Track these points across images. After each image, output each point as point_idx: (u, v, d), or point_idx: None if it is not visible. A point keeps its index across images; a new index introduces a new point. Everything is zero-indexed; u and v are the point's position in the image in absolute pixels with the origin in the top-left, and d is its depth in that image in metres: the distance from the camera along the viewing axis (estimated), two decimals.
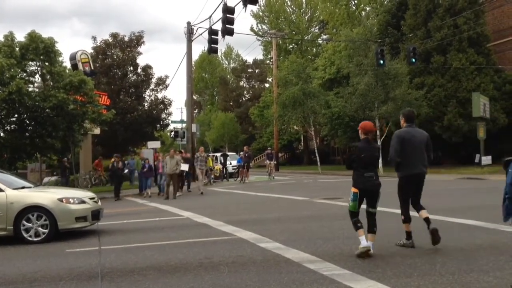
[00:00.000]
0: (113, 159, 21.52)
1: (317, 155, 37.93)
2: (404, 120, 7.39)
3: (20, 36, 23.87)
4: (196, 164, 21.05)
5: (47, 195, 9.78)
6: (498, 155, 27.55)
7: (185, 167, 20.22)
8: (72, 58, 25.06)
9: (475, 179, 22.20)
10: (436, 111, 29.68)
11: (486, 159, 26.52)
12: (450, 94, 29.55)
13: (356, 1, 45.77)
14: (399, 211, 10.37)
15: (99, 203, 10.60)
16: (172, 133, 32.44)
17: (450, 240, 7.53)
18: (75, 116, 20.59)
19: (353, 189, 6.84)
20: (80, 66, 25.11)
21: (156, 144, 30.39)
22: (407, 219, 7.20)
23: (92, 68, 25.71)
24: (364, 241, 6.57)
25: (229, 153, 36.69)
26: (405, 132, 7.16)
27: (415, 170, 7.06)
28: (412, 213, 7.34)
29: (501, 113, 29.39)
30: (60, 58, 21.07)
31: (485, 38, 30.78)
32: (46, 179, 29.71)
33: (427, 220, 7.17)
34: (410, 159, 6.98)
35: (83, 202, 9.87)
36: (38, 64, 20.84)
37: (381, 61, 24.62)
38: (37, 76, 21.33)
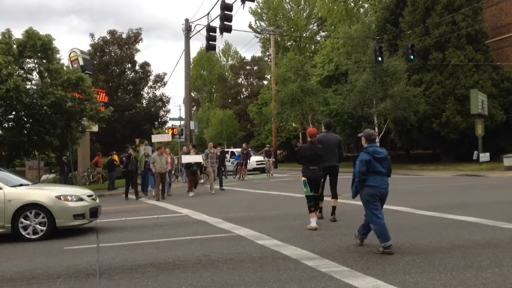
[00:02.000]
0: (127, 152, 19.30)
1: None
2: (324, 128, 9.97)
3: (18, 33, 23.92)
4: (207, 161, 18.89)
5: (45, 193, 9.76)
6: (496, 152, 27.63)
7: (198, 158, 18.55)
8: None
9: (473, 176, 22.24)
10: (434, 108, 29.69)
11: (484, 156, 26.55)
12: (449, 91, 29.56)
13: None
14: (395, 207, 10.39)
15: (97, 200, 10.58)
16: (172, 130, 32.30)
17: (449, 237, 7.54)
18: (73, 113, 20.55)
19: (303, 178, 8.95)
20: (70, 65, 25.09)
21: (164, 138, 28.10)
22: (310, 205, 9.05)
23: (81, 63, 25.49)
24: (313, 222, 8.73)
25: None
26: (322, 136, 9.62)
27: (329, 163, 9.38)
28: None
29: (499, 110, 29.41)
30: (58, 55, 21.02)
31: (483, 35, 30.78)
32: (44, 177, 29.66)
33: (333, 208, 9.75)
34: (326, 156, 9.12)
35: (81, 199, 9.85)
36: (35, 61, 20.79)
37: (380, 58, 24.58)
38: (34, 73, 21.29)
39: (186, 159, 18.43)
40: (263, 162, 32.84)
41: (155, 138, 27.85)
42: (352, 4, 45.84)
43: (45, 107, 19.97)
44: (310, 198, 8.81)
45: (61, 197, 9.63)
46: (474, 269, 5.61)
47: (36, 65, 20.93)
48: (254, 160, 34.71)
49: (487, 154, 26.78)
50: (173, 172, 23.64)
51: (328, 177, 9.69)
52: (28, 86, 20.40)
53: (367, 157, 6.86)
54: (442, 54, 30.02)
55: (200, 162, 18.75)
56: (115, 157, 24.54)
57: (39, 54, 20.24)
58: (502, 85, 30.16)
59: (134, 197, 18.01)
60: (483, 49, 30.45)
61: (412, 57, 24.13)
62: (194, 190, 18.23)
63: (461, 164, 28.52)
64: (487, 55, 30.46)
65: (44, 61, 20.42)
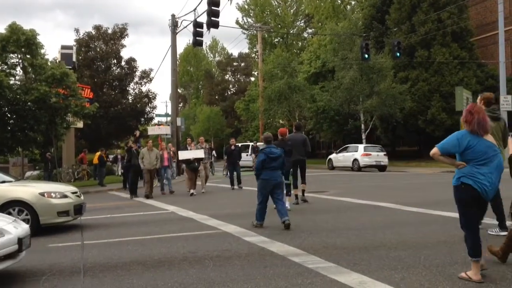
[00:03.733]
0: (128, 146, 17.95)
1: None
2: (294, 129, 12.44)
3: (1, 28, 23.53)
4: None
5: (28, 190, 9.61)
6: None
7: (200, 153, 16.42)
8: None
9: None
10: (420, 105, 29.94)
11: None
12: (434, 88, 29.83)
13: None
14: (381, 204, 10.43)
15: (82, 197, 10.46)
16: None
17: (434, 233, 7.59)
18: (57, 109, 20.27)
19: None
20: (58, 57, 24.85)
21: (162, 131, 26.49)
22: (295, 186, 11.66)
23: (74, 60, 25.21)
24: (287, 204, 10.65)
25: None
26: (291, 136, 11.78)
27: (297, 157, 11.38)
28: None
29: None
30: (42, 51, 20.69)
31: (469, 32, 31.11)
32: (28, 173, 29.26)
33: (303, 191, 12.05)
34: (295, 152, 11.15)
35: (65, 196, 9.72)
36: (19, 56, 20.45)
37: (366, 55, 24.69)
38: (18, 68, 20.94)
39: (183, 155, 16.49)
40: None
41: (152, 130, 26.73)
42: (339, 1, 45.99)
43: (29, 103, 19.68)
44: (288, 186, 11.08)
45: (45, 194, 9.49)
46: (459, 264, 5.64)
47: (20, 60, 20.59)
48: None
49: None
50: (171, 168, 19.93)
51: (298, 169, 11.75)
52: (11, 82, 20.06)
53: (263, 157, 8.89)
54: (427, 51, 30.27)
55: (202, 158, 16.67)
56: (103, 154, 24.29)
57: (22, 49, 19.91)
58: (487, 82, 30.51)
59: (128, 195, 16.76)
60: (468, 47, 30.78)
61: (398, 54, 24.29)
62: (195, 189, 16.29)
63: None
64: (472, 52, 30.80)
65: (28, 56, 20.10)
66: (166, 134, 28.63)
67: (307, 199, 12.15)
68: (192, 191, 16.08)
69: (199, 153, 16.37)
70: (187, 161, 16.43)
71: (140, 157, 16.12)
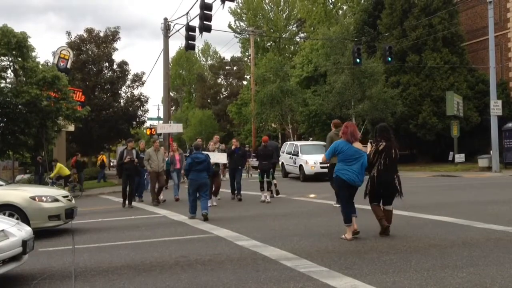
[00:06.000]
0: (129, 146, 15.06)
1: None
2: (266, 139, 14.18)
3: None
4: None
5: (19, 193, 9.55)
6: (471, 153, 28.18)
7: (223, 158, 14.05)
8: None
9: (449, 177, 22.61)
10: (411, 109, 30.12)
11: (460, 157, 27.05)
12: (425, 93, 30.03)
13: (333, 0, 46.10)
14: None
15: (73, 201, 10.41)
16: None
17: (425, 237, 7.64)
18: (48, 112, 20.16)
19: (258, 170, 13.96)
20: (55, 60, 24.65)
21: (173, 129, 23.84)
22: (262, 187, 13.90)
23: (68, 66, 25.07)
24: (263, 197, 13.60)
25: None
26: (269, 143, 14.14)
27: (267, 161, 13.71)
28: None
29: (474, 111, 30.00)
30: (33, 53, 20.60)
31: (459, 38, 31.37)
32: (18, 177, 29.06)
33: (275, 185, 14.66)
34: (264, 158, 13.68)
35: (56, 200, 9.67)
36: (10, 59, 20.33)
37: (358, 60, 24.81)
38: (9, 71, 20.82)
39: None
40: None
41: (162, 129, 24.77)
42: (331, 6, 46.21)
43: (19, 106, 19.56)
44: (262, 183, 13.77)
45: (36, 197, 9.44)
46: (450, 268, 5.68)
47: (11, 63, 20.47)
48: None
49: (462, 155, 27.29)
50: (182, 171, 16.31)
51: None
52: (2, 85, 19.96)
53: (190, 161, 10.93)
54: (418, 56, 30.49)
55: (225, 164, 14.70)
56: (104, 158, 24.10)
57: (13, 52, 19.79)
58: (477, 87, 30.77)
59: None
60: (459, 52, 31.04)
61: (389, 59, 24.43)
62: (216, 197, 14.09)
63: (437, 164, 29.00)
64: (462, 57, 31.05)
65: (19, 59, 19.98)
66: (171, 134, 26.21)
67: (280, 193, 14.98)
68: (209, 202, 12.40)
69: (221, 157, 13.91)
70: None
71: (146, 158, 14.57)
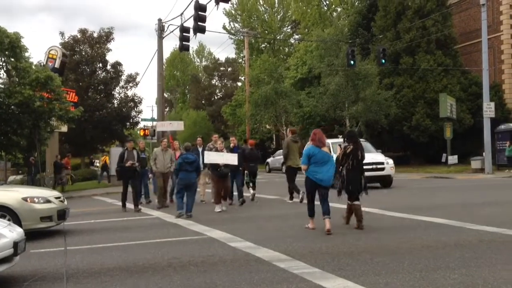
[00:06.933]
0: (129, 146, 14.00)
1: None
2: (252, 142, 15.56)
3: None
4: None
5: (11, 194, 9.47)
6: (464, 155, 28.32)
7: (233, 159, 12.37)
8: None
9: (442, 178, 22.71)
10: (404, 111, 30.24)
11: (453, 159, 27.18)
12: (418, 95, 30.16)
13: (327, 2, 46.20)
14: (365, 209, 10.55)
15: (65, 202, 10.33)
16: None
17: (418, 238, 7.66)
18: (41, 113, 20.03)
19: (246, 171, 14.20)
20: (45, 60, 24.53)
21: (173, 126, 22.80)
22: (248, 186, 14.53)
23: (57, 66, 24.79)
24: (252, 195, 14.27)
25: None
26: (249, 149, 14.47)
27: (254, 163, 14.37)
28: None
29: (467, 113, 30.16)
30: (26, 54, 20.43)
31: (452, 40, 31.55)
32: (11, 178, 28.91)
33: (252, 195, 14.36)
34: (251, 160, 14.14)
35: (48, 201, 9.59)
36: (2, 59, 20.18)
37: (352, 62, 24.88)
38: (1, 72, 20.69)
39: (211, 157, 12.23)
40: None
41: (161, 126, 23.99)
42: (325, 8, 46.30)
43: (12, 107, 19.42)
44: (248, 183, 14.37)
45: (28, 198, 9.36)
46: (442, 269, 5.70)
47: (3, 64, 20.32)
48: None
49: (455, 156, 27.41)
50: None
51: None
52: None
53: (180, 161, 11.33)
54: (412, 58, 30.61)
55: (236, 165, 12.73)
56: (107, 159, 23.87)
57: (6, 52, 19.65)
58: (470, 89, 30.94)
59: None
60: (452, 54, 31.21)
61: (383, 61, 24.52)
62: (225, 201, 12.71)
63: (430, 166, 29.12)
64: (455, 60, 31.23)
65: (12, 59, 19.83)
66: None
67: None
68: (218, 208, 12.03)
69: (232, 158, 12.36)
70: (215, 166, 12.20)
71: (153, 158, 13.88)
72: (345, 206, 9.18)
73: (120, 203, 13.90)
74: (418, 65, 30.15)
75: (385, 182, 18.08)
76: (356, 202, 8.73)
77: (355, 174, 8.66)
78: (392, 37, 31.53)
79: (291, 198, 13.42)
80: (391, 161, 18.63)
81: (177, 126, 24.50)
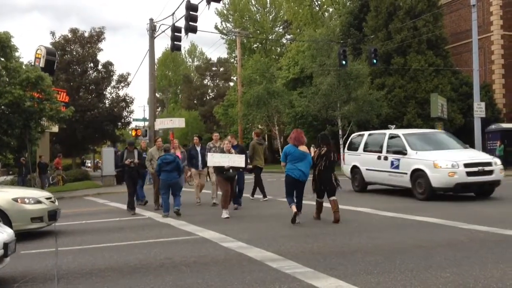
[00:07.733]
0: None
1: (281, 154, 38.12)
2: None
3: None
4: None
5: (1, 195, 9.37)
6: None
7: (240, 161, 11.48)
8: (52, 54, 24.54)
9: None
10: (396, 111, 30.35)
11: None
12: (410, 95, 30.29)
13: (319, 2, 46.30)
14: (357, 208, 10.57)
15: (56, 203, 10.25)
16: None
17: (410, 238, 7.69)
18: (32, 113, 19.88)
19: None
20: (34, 60, 24.39)
21: (174, 124, 21.69)
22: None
23: (42, 65, 24.46)
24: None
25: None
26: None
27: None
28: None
29: (457, 113, 30.35)
30: (17, 53, 20.29)
31: (443, 40, 31.72)
32: (1, 178, 28.66)
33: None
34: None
35: (39, 202, 9.52)
36: None
37: (344, 62, 24.94)
38: None
39: (215, 160, 11.35)
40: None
41: (161, 123, 23.06)
42: (317, 8, 46.40)
43: (2, 107, 19.24)
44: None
45: (18, 199, 9.28)
46: (434, 269, 5.72)
47: None
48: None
49: None
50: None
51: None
52: None
53: (159, 162, 11.52)
54: (403, 58, 30.74)
55: (243, 168, 12.05)
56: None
57: None
58: (461, 89, 31.14)
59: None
60: (443, 54, 31.38)
61: (375, 61, 24.59)
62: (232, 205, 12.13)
63: None
64: (446, 60, 31.40)
65: (2, 59, 19.68)
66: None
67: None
68: (225, 213, 10.91)
69: (239, 160, 11.45)
70: (219, 168, 11.34)
71: (148, 158, 13.40)
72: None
73: (117, 204, 14.04)
74: (409, 65, 30.29)
75: (489, 190, 12.95)
76: (333, 198, 9.49)
77: (327, 173, 9.55)
78: (383, 38, 31.65)
79: (265, 196, 14.31)
80: (499, 161, 13.09)
81: (178, 123, 23.68)
